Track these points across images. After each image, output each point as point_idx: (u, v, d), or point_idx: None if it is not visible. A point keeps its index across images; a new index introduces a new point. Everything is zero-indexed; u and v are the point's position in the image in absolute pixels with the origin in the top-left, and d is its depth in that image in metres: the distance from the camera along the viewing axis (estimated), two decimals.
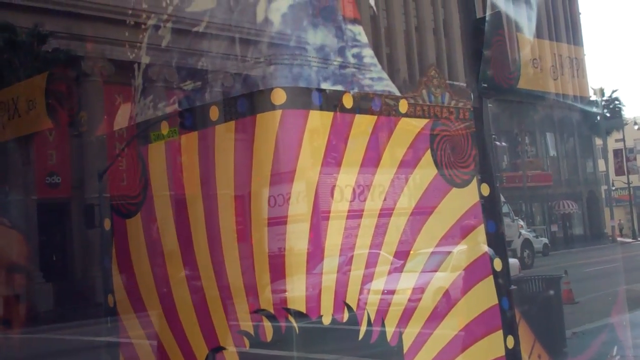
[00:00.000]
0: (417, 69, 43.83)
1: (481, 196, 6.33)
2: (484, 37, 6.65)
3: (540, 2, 52.93)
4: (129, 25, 30.72)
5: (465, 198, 6.30)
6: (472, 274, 6.24)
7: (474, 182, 6.37)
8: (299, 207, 5.47)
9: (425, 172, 6.25)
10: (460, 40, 40.31)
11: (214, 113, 5.71)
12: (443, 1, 46.24)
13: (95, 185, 26.50)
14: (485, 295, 6.09)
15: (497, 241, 6.30)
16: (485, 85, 7.10)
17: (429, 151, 6.32)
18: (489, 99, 7.45)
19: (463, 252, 6.19)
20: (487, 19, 6.87)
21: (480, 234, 6.27)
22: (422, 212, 5.96)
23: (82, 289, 27.53)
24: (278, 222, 5.43)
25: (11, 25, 28.16)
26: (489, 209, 6.36)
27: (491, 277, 6.16)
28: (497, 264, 6.19)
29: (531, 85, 7.89)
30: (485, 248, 6.23)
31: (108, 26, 30.26)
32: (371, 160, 5.81)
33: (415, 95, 41.25)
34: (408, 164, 6.15)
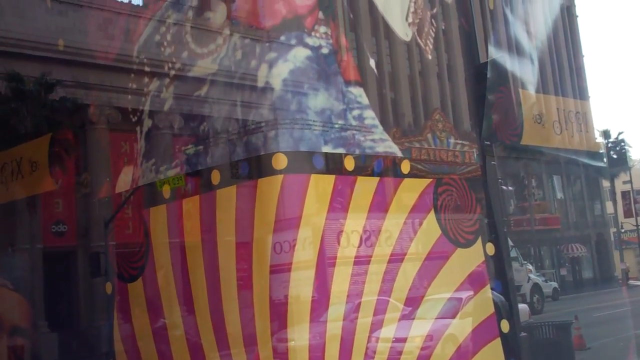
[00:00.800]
0: (422, 113, 43.94)
1: (486, 256, 6.26)
2: (486, 82, 6.66)
3: (543, 57, 53.44)
4: (136, 72, 31.19)
5: (470, 258, 6.22)
6: (479, 337, 6.14)
7: (479, 241, 6.31)
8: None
9: (429, 233, 6.19)
10: (464, 84, 40.52)
11: (216, 177, 5.70)
12: (446, 46, 46.57)
13: (101, 233, 26.55)
14: (493, 357, 5.97)
15: (505, 301, 6.20)
16: (489, 143, 7.06)
17: (432, 212, 6.27)
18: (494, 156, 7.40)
19: (469, 316, 6.09)
20: (489, 67, 6.87)
21: (486, 295, 6.18)
22: (425, 275, 5.90)
23: (87, 339, 27.31)
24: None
25: (18, 74, 28.45)
26: (496, 268, 6.28)
27: (499, 339, 6.06)
28: (505, 326, 6.09)
29: (535, 140, 7.88)
30: (491, 310, 6.13)
31: (114, 74, 30.60)
32: (374, 224, 5.76)
33: (420, 139, 41.44)
34: (411, 227, 6.09)
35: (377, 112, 38.65)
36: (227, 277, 5.33)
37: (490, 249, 6.01)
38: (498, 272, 6.22)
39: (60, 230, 30.65)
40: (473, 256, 6.07)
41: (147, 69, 27.79)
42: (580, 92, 54.99)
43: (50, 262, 28.62)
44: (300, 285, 5.14)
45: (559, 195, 58.59)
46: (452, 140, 40.91)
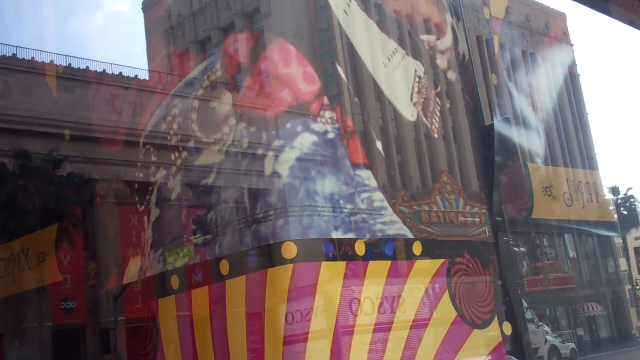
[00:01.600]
0: (430, 176, 44.01)
1: (504, 336, 6.07)
2: (493, 144, 6.56)
3: (550, 128, 53.75)
4: (143, 146, 31.46)
5: (487, 340, 6.03)
6: None
7: (496, 321, 6.12)
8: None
9: (445, 316, 6.02)
10: (471, 146, 40.66)
11: (225, 267, 5.57)
12: (451, 109, 46.94)
13: (111, 309, 26.28)
14: None
15: None
16: (500, 219, 6.95)
17: (447, 294, 6.11)
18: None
19: None
20: (495, 144, 6.78)
21: None
22: None
23: None
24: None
25: (26, 152, 28.62)
26: (514, 348, 6.08)
27: None
28: None
29: (546, 214, 7.76)
30: None
31: (122, 148, 30.86)
32: (387, 309, 5.62)
33: (429, 202, 41.36)
34: (427, 310, 5.94)
35: (385, 176, 38.37)
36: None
37: (508, 328, 5.82)
38: (515, 344, 6.02)
39: (69, 307, 30.37)
40: (490, 338, 5.88)
41: (154, 158, 28.03)
42: (589, 163, 55.13)
43: (59, 340, 28.29)
44: None
45: (572, 254, 58.00)
46: (461, 203, 40.66)
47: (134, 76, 33.73)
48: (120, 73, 33.03)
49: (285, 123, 28.61)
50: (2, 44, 30.60)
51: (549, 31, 59.04)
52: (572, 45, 61.91)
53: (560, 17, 60.48)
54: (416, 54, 43.38)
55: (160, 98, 32.83)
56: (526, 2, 54.62)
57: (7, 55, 30.44)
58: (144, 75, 35.70)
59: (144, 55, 53.12)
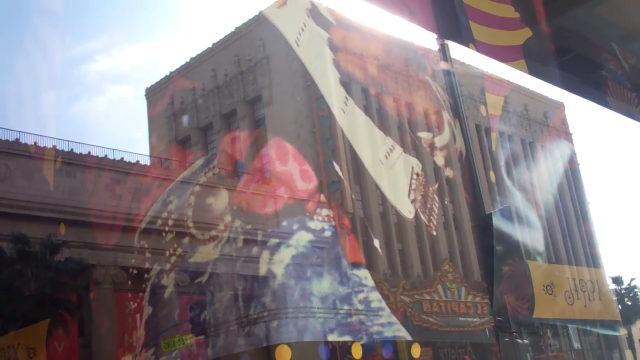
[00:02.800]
0: (431, 264, 43.61)
1: None
2: (493, 232, 6.40)
3: (552, 223, 53.61)
4: (142, 231, 31.32)
5: None
6: None
7: None
8: None
9: None
10: (471, 233, 40.43)
11: None
12: (451, 196, 46.97)
13: None
14: None
15: None
16: (500, 318, 6.71)
17: None
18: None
19: None
20: (495, 241, 6.62)
21: None
22: None
23: None
24: None
25: (24, 236, 28.39)
26: None
27: None
28: None
29: (547, 313, 7.53)
30: None
31: (120, 233, 30.70)
32: None
33: (430, 291, 40.81)
34: None
35: (386, 265, 37.87)
36: None
37: None
38: None
39: None
40: None
41: (151, 244, 27.76)
42: (593, 259, 54.63)
43: None
44: None
45: (576, 345, 56.74)
46: (463, 292, 40.11)
47: (135, 161, 33.87)
48: (122, 158, 33.17)
49: (281, 220, 28.70)
50: (4, 128, 30.84)
51: (547, 120, 59.72)
52: (571, 134, 62.55)
53: (559, 106, 61.32)
54: (414, 151, 43.83)
55: (161, 184, 32.93)
56: (525, 91, 55.41)
57: (10, 140, 30.59)
58: (146, 160, 35.84)
59: (145, 141, 53.78)
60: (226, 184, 33.09)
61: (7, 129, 30.83)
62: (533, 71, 5.79)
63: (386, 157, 35.74)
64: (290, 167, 33.18)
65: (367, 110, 42.05)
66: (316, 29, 36.21)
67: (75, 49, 79.37)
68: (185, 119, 48.68)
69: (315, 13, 37.38)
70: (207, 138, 48.73)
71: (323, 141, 39.43)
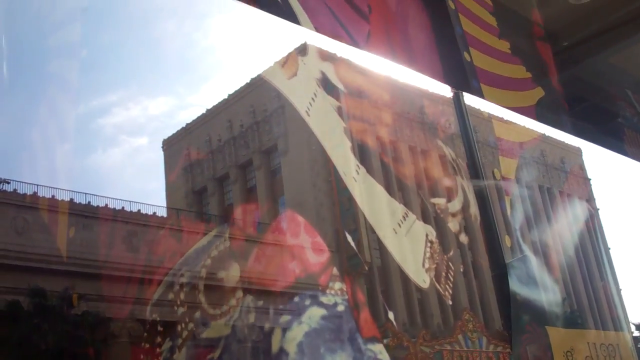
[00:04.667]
0: (451, 313, 42.97)
1: None
2: (512, 281, 6.22)
3: (573, 282, 52.78)
4: (158, 285, 31.25)
5: None
6: None
7: None
8: None
9: None
10: (491, 280, 39.90)
11: None
12: (470, 244, 46.52)
13: None
14: None
15: None
16: None
17: None
18: None
19: None
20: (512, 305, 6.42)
21: None
22: None
23: None
24: None
25: (42, 290, 28.39)
26: None
27: None
28: None
29: None
30: None
31: (137, 286, 30.63)
32: None
33: (451, 341, 40.09)
34: None
35: (405, 314, 37.23)
36: None
37: None
38: None
39: None
40: None
41: (169, 297, 27.64)
42: (614, 323, 53.34)
43: None
44: None
45: None
46: (484, 341, 39.31)
47: (152, 213, 33.93)
48: (139, 210, 33.26)
49: (293, 296, 28.59)
50: (22, 182, 31.04)
51: (565, 166, 59.38)
52: (589, 179, 62.08)
53: (576, 152, 60.98)
54: (426, 218, 43.33)
55: (178, 237, 32.95)
56: (541, 137, 55.27)
57: (28, 193, 30.80)
58: (162, 212, 35.91)
59: (162, 191, 54.03)
60: (239, 252, 32.99)
61: (24, 182, 31.05)
62: (547, 121, 5.71)
63: (399, 225, 35.56)
64: (301, 239, 33.17)
65: (378, 177, 41.74)
66: (327, 98, 36.40)
67: (91, 102, 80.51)
68: (202, 170, 48.92)
69: (325, 82, 37.54)
70: (224, 188, 48.83)
71: (339, 190, 39.25)
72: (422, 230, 36.96)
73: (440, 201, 43.04)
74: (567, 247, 51.14)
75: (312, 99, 35.30)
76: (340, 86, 38.14)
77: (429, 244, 35.71)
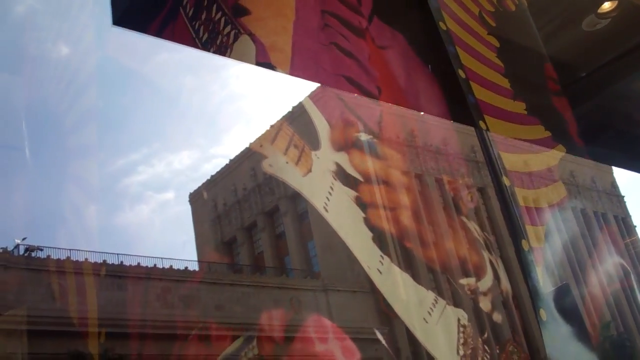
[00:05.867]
0: (495, 345, 42.07)
1: None
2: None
3: (619, 296, 51.42)
4: (194, 339, 31.14)
5: None
6: None
7: None
8: None
9: None
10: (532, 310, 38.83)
11: None
12: (508, 272, 45.76)
13: None
14: None
15: None
16: None
17: None
18: None
19: None
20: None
21: None
22: None
23: None
24: None
25: (81, 354, 28.37)
26: None
27: None
28: None
29: None
30: None
31: (174, 342, 30.49)
32: None
33: None
34: None
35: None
36: None
37: None
38: None
39: None
40: None
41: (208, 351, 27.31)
42: None
43: None
44: None
45: None
46: None
47: (183, 268, 33.93)
48: (171, 266, 33.28)
49: None
50: (56, 247, 31.25)
51: (596, 185, 58.45)
52: (622, 197, 60.99)
53: (606, 169, 59.98)
54: (457, 300, 41.87)
55: (212, 290, 32.86)
56: (569, 158, 54.48)
57: (61, 258, 30.99)
58: (194, 266, 35.90)
59: (192, 244, 54.15)
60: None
61: (57, 248, 31.25)
62: (572, 151, 5.52)
63: (429, 314, 34.79)
64: (331, 344, 32.84)
65: (403, 264, 40.13)
66: (344, 190, 35.90)
67: (116, 163, 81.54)
68: (229, 220, 48.93)
69: (341, 173, 36.99)
70: (253, 237, 48.76)
71: None
72: (454, 316, 36.01)
73: (470, 281, 41.86)
74: (608, 269, 50.09)
75: (329, 192, 34.82)
76: (356, 175, 37.43)
77: (461, 329, 34.93)
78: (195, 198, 52.55)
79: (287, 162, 36.16)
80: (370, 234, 35.96)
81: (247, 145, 49.20)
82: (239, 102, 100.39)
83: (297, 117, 40.25)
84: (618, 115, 6.30)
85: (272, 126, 39.18)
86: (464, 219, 43.24)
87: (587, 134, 5.27)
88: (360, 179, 37.66)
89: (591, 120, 5.63)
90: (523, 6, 3.36)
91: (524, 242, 2.26)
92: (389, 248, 38.34)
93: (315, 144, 36.82)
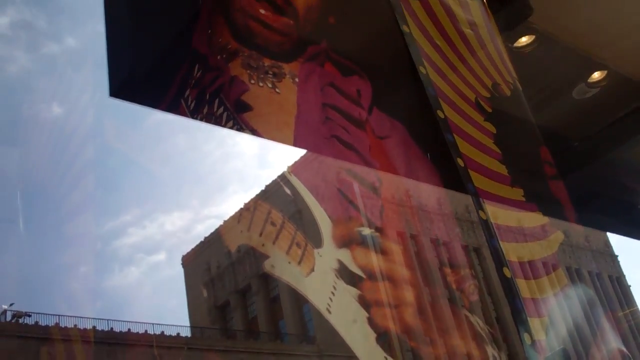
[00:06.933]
0: None
1: None
2: None
3: None
4: None
5: None
6: None
7: None
8: None
9: None
10: None
11: None
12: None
13: None
14: None
15: None
16: None
17: None
18: None
19: None
20: None
21: None
22: None
23: None
24: None
25: None
26: None
27: None
28: None
29: None
30: None
31: None
32: None
33: None
34: None
35: None
36: None
37: None
38: None
39: None
40: None
41: None
42: None
43: None
44: None
45: None
46: None
47: (175, 334, 33.48)
48: (162, 332, 32.83)
49: None
50: (43, 313, 30.84)
51: (590, 245, 58.43)
52: (616, 256, 60.88)
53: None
54: None
55: (203, 356, 32.37)
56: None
57: (50, 325, 30.55)
58: (186, 332, 35.42)
59: (184, 308, 53.53)
60: None
61: (46, 314, 30.83)
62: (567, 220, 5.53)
63: None
64: None
65: None
66: (347, 289, 35.66)
67: (106, 225, 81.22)
68: (223, 284, 48.42)
69: (343, 271, 36.74)
70: (247, 300, 48.22)
71: None
72: None
73: None
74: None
75: (332, 292, 34.66)
76: (359, 272, 37.10)
77: None
78: (187, 260, 52.14)
79: (289, 262, 36.03)
80: (374, 334, 35.53)
81: (242, 206, 49.19)
82: (233, 161, 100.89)
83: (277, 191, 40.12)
84: (610, 183, 6.36)
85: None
86: (467, 314, 42.67)
87: (580, 201, 5.30)
88: (363, 275, 37.04)
89: (584, 187, 5.67)
90: (518, 91, 3.43)
91: (526, 335, 2.25)
92: (394, 349, 37.73)
93: (317, 240, 36.59)
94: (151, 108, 2.55)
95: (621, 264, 61.73)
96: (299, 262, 35.52)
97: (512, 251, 2.78)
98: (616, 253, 61.14)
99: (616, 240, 65.07)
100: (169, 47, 2.58)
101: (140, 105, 2.48)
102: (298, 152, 40.93)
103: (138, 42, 2.54)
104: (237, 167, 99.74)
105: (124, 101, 2.39)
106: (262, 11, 2.60)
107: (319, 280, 35.04)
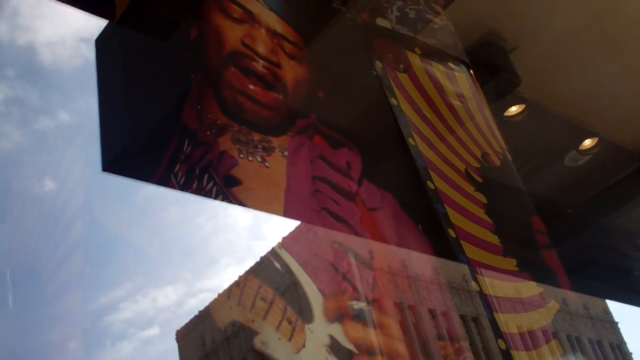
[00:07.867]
0: None
1: None
2: None
3: None
4: None
5: None
6: None
7: None
8: None
9: None
10: None
11: None
12: None
13: None
14: None
15: None
16: None
17: None
18: None
19: None
20: None
21: None
22: None
23: None
24: None
25: None
26: None
27: None
28: None
29: None
30: None
31: None
32: None
33: None
34: None
35: None
36: None
37: None
38: None
39: None
40: None
41: None
42: None
43: None
44: None
45: None
46: None
47: None
48: None
49: None
50: None
51: (589, 312, 57.97)
52: (616, 323, 60.40)
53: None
54: None
55: None
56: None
57: None
58: None
59: None
60: None
61: None
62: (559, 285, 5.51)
63: None
64: None
65: None
66: None
67: (98, 300, 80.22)
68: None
69: (336, 347, 36.36)
70: None
71: None
72: None
73: None
74: None
75: None
76: (351, 347, 36.65)
77: None
78: (181, 335, 51.43)
79: (279, 339, 35.58)
80: None
81: (235, 278, 48.87)
82: (226, 233, 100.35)
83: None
84: (606, 249, 6.35)
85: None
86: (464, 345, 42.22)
87: (577, 269, 5.29)
88: (356, 351, 36.44)
89: (579, 254, 5.66)
90: (508, 160, 3.46)
91: None
92: None
93: (309, 316, 36.10)
94: (143, 182, 2.56)
95: (622, 330, 61.13)
96: (290, 338, 34.89)
97: (511, 321, 2.76)
98: (616, 320, 60.66)
99: (616, 307, 64.73)
100: (161, 121, 2.61)
101: (132, 179, 2.50)
102: (292, 223, 40.83)
103: (130, 116, 2.57)
104: (229, 239, 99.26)
105: (116, 175, 2.40)
106: (251, 87, 2.64)
107: (310, 356, 34.41)
